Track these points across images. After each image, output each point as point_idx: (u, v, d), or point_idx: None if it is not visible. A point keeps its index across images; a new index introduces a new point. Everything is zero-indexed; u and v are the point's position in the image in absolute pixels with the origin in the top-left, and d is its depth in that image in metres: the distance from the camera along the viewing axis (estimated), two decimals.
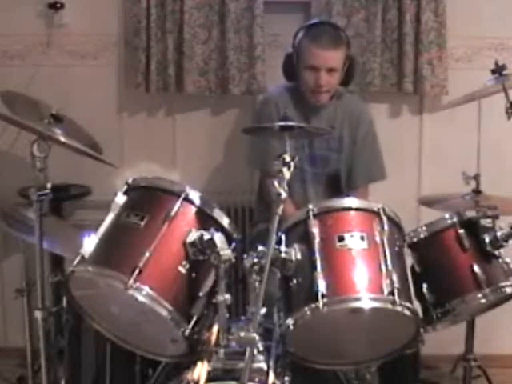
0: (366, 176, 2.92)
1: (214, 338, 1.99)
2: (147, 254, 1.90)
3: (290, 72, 2.81)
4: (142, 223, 1.98)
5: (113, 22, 3.26)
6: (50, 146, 2.22)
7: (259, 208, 3.04)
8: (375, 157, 2.92)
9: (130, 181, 2.11)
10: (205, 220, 2.03)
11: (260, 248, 1.88)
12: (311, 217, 1.99)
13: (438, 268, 2.20)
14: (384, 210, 2.02)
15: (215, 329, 2.00)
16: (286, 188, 1.86)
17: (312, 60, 2.71)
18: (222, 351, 1.95)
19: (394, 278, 1.88)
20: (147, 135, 3.33)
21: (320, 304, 1.84)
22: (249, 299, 1.90)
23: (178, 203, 2.00)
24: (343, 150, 2.88)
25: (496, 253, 2.19)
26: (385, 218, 2.00)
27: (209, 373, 1.90)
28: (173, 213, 1.98)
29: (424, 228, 2.24)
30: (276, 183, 1.87)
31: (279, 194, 1.85)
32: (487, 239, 2.17)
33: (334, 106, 2.86)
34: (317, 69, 2.71)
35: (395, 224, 2.07)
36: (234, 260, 1.95)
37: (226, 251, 1.92)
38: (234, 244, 2.05)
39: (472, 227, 2.20)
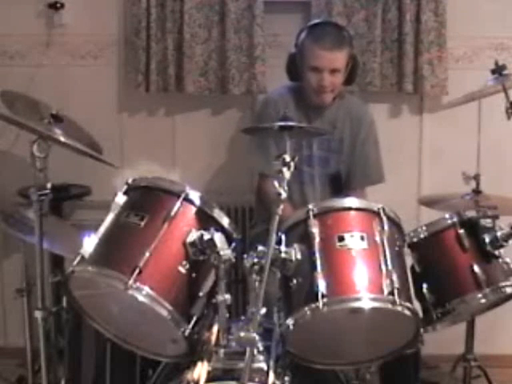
0: (364, 179, 2.91)
1: (213, 337, 1.99)
2: (147, 254, 1.90)
3: (293, 72, 2.80)
4: (142, 223, 1.98)
5: (113, 22, 3.26)
6: (50, 146, 2.22)
7: (259, 209, 3.04)
8: (374, 160, 2.92)
9: (130, 181, 2.10)
10: (205, 220, 2.03)
11: (260, 248, 1.88)
12: (311, 217, 1.99)
13: (438, 268, 2.20)
14: (384, 210, 2.02)
15: (215, 329, 1.99)
16: (286, 188, 1.86)
17: (315, 61, 2.70)
18: (221, 351, 1.95)
19: (394, 278, 1.88)
20: (147, 135, 3.33)
21: (320, 304, 1.84)
22: (249, 299, 1.89)
23: (178, 203, 2.00)
24: (343, 151, 2.87)
25: (496, 253, 2.18)
26: (385, 218, 2.00)
27: (209, 373, 1.89)
28: (173, 213, 1.98)
29: (424, 228, 2.24)
30: (276, 183, 1.87)
31: (279, 194, 1.84)
32: (487, 239, 2.17)
33: (336, 107, 2.85)
34: (320, 70, 2.70)
35: (395, 224, 2.07)
36: (233, 260, 1.95)
37: (226, 251, 1.92)
38: (234, 244, 2.05)
39: (472, 227, 2.20)
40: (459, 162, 2.80)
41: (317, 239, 1.95)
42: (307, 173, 2.84)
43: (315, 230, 1.96)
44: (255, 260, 1.88)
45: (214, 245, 1.91)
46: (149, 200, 2.06)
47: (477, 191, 2.62)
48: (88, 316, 2.06)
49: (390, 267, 1.90)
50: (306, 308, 1.87)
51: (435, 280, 2.18)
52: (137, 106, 3.33)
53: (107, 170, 2.36)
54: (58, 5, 3.20)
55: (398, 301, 1.85)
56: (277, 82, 3.03)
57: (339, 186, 2.89)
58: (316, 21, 2.86)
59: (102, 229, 2.01)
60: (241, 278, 2.58)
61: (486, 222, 2.20)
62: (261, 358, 1.93)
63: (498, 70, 2.59)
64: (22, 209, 2.64)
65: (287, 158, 1.90)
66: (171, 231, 1.97)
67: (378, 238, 1.96)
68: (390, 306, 1.86)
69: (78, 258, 1.96)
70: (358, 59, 2.87)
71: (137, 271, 1.87)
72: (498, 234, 2.18)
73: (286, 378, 1.94)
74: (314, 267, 1.90)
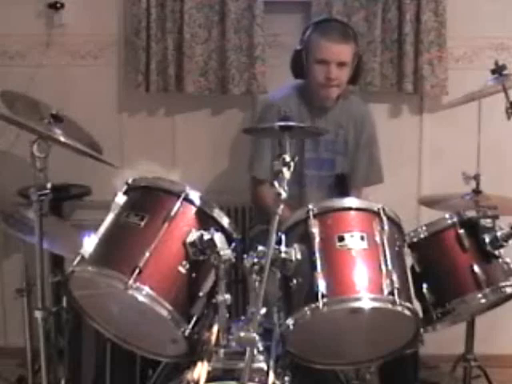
0: (364, 179, 2.92)
1: (213, 337, 1.99)
2: (147, 254, 1.90)
3: (297, 69, 2.78)
4: (142, 223, 1.98)
5: (113, 22, 3.26)
6: (50, 145, 2.22)
7: (257, 210, 3.03)
8: (375, 160, 2.93)
9: (130, 181, 2.10)
10: (205, 220, 2.03)
11: (260, 248, 1.88)
12: (311, 217, 1.99)
13: (438, 268, 2.20)
14: (384, 210, 2.02)
15: (215, 329, 1.99)
16: (285, 188, 1.85)
17: (322, 53, 2.70)
18: (221, 351, 1.95)
19: (394, 278, 1.88)
20: (147, 135, 3.33)
21: (320, 304, 1.84)
22: (249, 299, 1.89)
23: (178, 203, 2.00)
24: (348, 152, 2.87)
25: (496, 253, 2.19)
26: (385, 218, 2.00)
27: (209, 373, 1.89)
28: (173, 213, 1.98)
29: (424, 228, 2.24)
30: (276, 183, 1.86)
31: (279, 194, 1.84)
32: (487, 239, 2.17)
33: (340, 107, 2.85)
34: (327, 62, 2.69)
35: (395, 224, 2.07)
36: (233, 260, 1.95)
37: (226, 251, 1.92)
38: (234, 244, 2.05)
39: (472, 227, 2.20)
40: (459, 162, 2.80)
41: (317, 239, 1.95)
42: (308, 176, 2.83)
43: (315, 230, 1.96)
44: (255, 260, 1.88)
45: (214, 245, 1.91)
46: (149, 200, 2.07)
47: (477, 191, 2.62)
48: (88, 316, 2.06)
49: (390, 267, 1.90)
50: (306, 308, 1.87)
51: (435, 280, 2.18)
52: (137, 106, 3.32)
53: (107, 170, 2.36)
54: (58, 5, 3.20)
55: (398, 301, 1.85)
56: (277, 82, 3.03)
57: (345, 187, 2.89)
58: (321, 17, 2.86)
59: (102, 229, 2.01)
60: (241, 278, 2.58)
61: (486, 222, 2.20)
62: (261, 357, 1.93)
63: (498, 70, 2.59)
64: (21, 209, 2.63)
65: (287, 157, 1.90)
66: (171, 231, 1.97)
67: (378, 238, 1.96)
68: (390, 306, 1.86)
69: (78, 258, 1.96)
70: (363, 59, 2.86)
71: (137, 271, 1.87)
72: (498, 233, 2.18)
73: (286, 378, 1.94)
74: (314, 267, 1.90)
